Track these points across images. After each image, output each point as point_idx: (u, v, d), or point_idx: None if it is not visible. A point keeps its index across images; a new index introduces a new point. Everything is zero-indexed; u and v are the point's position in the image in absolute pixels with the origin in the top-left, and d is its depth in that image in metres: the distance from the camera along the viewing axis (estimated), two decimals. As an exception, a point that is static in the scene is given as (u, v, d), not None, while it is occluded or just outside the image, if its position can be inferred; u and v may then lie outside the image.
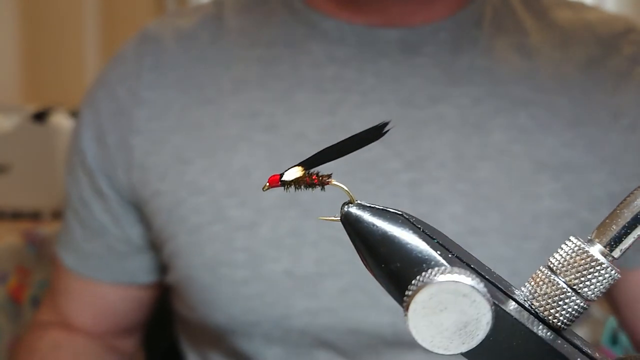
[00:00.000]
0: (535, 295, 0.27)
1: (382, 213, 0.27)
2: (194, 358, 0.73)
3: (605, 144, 0.65)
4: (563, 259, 0.26)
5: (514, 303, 0.26)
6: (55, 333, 0.72)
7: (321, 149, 0.29)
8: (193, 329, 0.72)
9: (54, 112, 1.49)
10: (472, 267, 0.27)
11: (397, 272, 0.26)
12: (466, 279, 0.24)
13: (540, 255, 0.63)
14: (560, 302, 0.26)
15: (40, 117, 1.47)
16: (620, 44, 0.69)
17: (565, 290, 0.26)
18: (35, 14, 2.20)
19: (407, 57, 0.66)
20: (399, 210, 0.27)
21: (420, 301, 0.24)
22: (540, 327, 0.26)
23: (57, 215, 1.37)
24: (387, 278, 0.27)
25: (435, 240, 0.27)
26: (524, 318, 0.26)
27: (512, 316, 0.26)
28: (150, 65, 0.70)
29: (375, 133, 0.28)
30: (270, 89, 0.67)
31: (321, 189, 0.29)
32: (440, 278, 0.24)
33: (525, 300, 0.27)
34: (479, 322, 0.24)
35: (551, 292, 0.26)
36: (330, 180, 0.29)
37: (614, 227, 0.26)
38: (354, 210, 0.27)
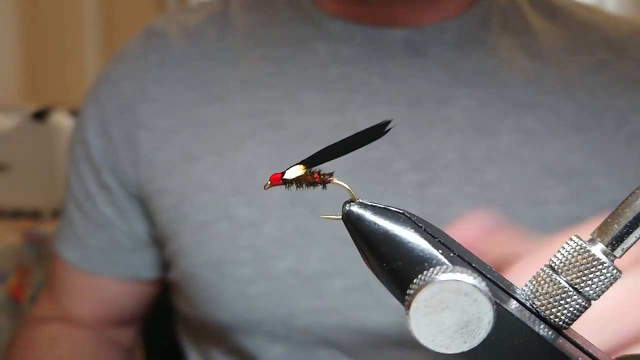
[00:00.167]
0: (537, 294, 0.26)
1: (383, 212, 0.27)
2: (195, 356, 0.73)
3: (611, 150, 0.65)
4: (564, 257, 0.26)
5: (515, 302, 0.26)
6: (53, 327, 0.73)
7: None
8: (195, 327, 0.72)
9: (54, 111, 1.49)
10: (473, 266, 0.27)
11: (398, 271, 0.26)
12: (468, 278, 0.24)
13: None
14: (562, 301, 0.26)
15: (40, 116, 1.47)
16: (629, 47, 0.69)
17: (566, 289, 0.26)
18: (35, 14, 2.20)
19: (414, 58, 0.66)
20: (400, 209, 0.27)
21: (421, 300, 0.24)
22: (542, 326, 0.26)
23: (57, 214, 1.36)
24: (388, 277, 0.27)
25: (437, 239, 0.27)
26: (526, 317, 0.26)
27: (513, 315, 0.26)
28: (156, 61, 0.70)
29: (377, 132, 0.28)
30: (276, 87, 0.67)
31: (323, 188, 0.29)
32: (442, 277, 0.24)
33: (526, 300, 0.27)
34: (481, 321, 0.24)
35: (552, 291, 0.26)
36: (331, 178, 0.29)
37: (616, 226, 0.26)
38: (355, 208, 0.27)
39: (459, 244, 0.28)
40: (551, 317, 0.26)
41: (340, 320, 0.63)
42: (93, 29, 2.22)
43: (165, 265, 0.72)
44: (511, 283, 0.28)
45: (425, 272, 0.25)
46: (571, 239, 0.27)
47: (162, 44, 0.70)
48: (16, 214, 1.46)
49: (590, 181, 0.64)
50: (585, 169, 0.64)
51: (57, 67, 2.21)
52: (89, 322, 0.75)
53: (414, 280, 0.25)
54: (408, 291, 0.25)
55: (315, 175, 0.29)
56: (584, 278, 0.26)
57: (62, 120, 1.49)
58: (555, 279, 0.26)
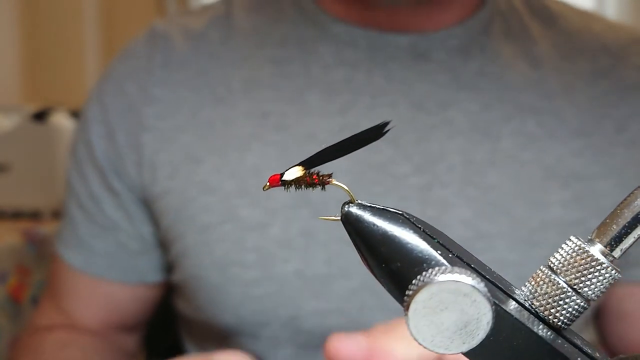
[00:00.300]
0: (536, 294, 0.27)
1: (382, 213, 0.27)
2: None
3: (611, 155, 0.65)
4: (563, 258, 0.26)
5: (514, 303, 0.26)
6: (61, 334, 0.71)
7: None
8: (198, 330, 0.71)
9: (54, 111, 1.50)
10: (472, 267, 0.27)
11: (397, 272, 0.26)
12: (467, 279, 0.24)
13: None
14: (561, 302, 0.26)
15: (40, 116, 1.47)
16: (628, 54, 0.69)
17: (565, 290, 0.26)
18: (35, 14, 2.20)
19: (417, 62, 0.66)
20: (399, 210, 0.27)
21: (420, 301, 0.24)
22: (541, 326, 0.26)
23: (57, 214, 1.36)
24: (387, 278, 0.27)
25: (436, 240, 0.27)
26: (524, 318, 0.26)
27: (512, 316, 0.26)
28: (160, 63, 0.70)
29: (376, 133, 0.28)
30: (281, 89, 0.67)
31: (322, 189, 0.29)
32: (441, 278, 0.24)
33: (525, 300, 0.27)
34: (480, 321, 0.24)
35: (551, 291, 0.26)
36: (330, 180, 0.29)
37: (615, 226, 0.26)
38: (354, 210, 0.27)
39: (458, 244, 0.28)
40: (550, 317, 0.26)
41: (344, 321, 0.63)
42: (93, 29, 2.22)
43: (169, 267, 0.72)
44: (510, 283, 0.28)
45: (424, 273, 0.25)
46: (570, 240, 0.27)
47: (165, 46, 0.70)
48: (16, 214, 1.45)
49: (591, 185, 0.64)
50: (586, 173, 0.64)
51: (57, 67, 2.20)
52: (95, 328, 0.73)
53: (413, 281, 0.25)
54: (407, 292, 0.25)
55: (314, 177, 0.29)
56: (583, 279, 0.26)
57: (62, 120, 1.49)
58: (554, 279, 0.26)
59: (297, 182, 0.29)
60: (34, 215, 1.45)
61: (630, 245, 0.26)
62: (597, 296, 0.26)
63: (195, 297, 0.67)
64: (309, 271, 0.62)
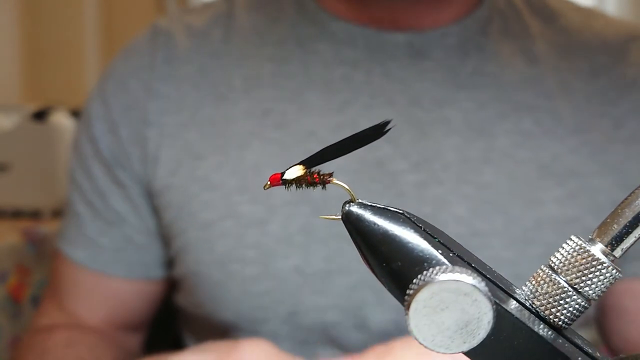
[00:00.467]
0: (536, 294, 0.27)
1: (383, 212, 0.27)
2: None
3: (609, 152, 0.65)
4: (564, 258, 0.26)
5: (515, 302, 0.26)
6: (64, 332, 0.70)
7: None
8: (198, 326, 0.72)
9: (54, 111, 1.49)
10: (473, 267, 0.27)
11: (398, 271, 0.26)
12: (467, 278, 0.24)
13: (543, 260, 0.63)
14: (561, 301, 0.26)
15: (40, 116, 1.47)
16: (628, 51, 0.69)
17: (566, 289, 0.26)
18: (35, 14, 2.20)
19: (415, 61, 0.67)
20: (400, 209, 0.27)
21: (421, 300, 0.24)
22: (541, 326, 0.26)
23: (57, 214, 1.36)
24: (388, 277, 0.27)
25: (437, 239, 0.27)
26: (525, 317, 0.26)
27: (513, 315, 0.26)
28: (163, 59, 0.70)
29: (376, 132, 0.28)
30: (281, 87, 0.67)
31: (322, 188, 0.29)
32: (442, 277, 0.24)
33: (526, 300, 0.27)
34: (480, 321, 0.24)
35: (552, 291, 0.26)
36: (331, 179, 0.29)
37: (615, 226, 0.26)
38: (355, 209, 0.27)
39: (458, 244, 0.28)
40: (551, 317, 0.26)
41: (343, 317, 0.63)
42: (93, 29, 2.22)
43: (170, 262, 0.72)
44: (511, 283, 0.28)
45: (424, 272, 0.25)
46: (571, 239, 0.27)
47: (168, 43, 0.71)
48: (16, 214, 1.45)
49: (587, 182, 0.64)
50: (582, 170, 0.65)
51: (57, 67, 2.20)
52: (99, 327, 0.73)
53: (414, 280, 0.25)
54: (408, 291, 0.25)
55: (314, 176, 0.29)
56: (584, 278, 0.26)
57: (62, 120, 1.49)
58: (555, 279, 0.26)
59: (297, 181, 0.29)
60: (34, 215, 1.45)
61: (631, 245, 0.26)
62: (598, 296, 0.26)
63: (195, 293, 0.67)
64: (309, 267, 0.63)
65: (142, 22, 0.77)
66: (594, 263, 0.26)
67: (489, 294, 0.24)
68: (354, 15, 0.68)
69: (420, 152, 0.64)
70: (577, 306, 0.26)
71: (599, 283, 0.26)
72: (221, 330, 0.67)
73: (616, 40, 0.69)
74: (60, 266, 0.74)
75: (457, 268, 0.25)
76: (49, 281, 0.78)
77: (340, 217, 0.28)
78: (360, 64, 0.67)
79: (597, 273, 0.26)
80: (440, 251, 0.26)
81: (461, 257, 0.27)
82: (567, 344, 0.26)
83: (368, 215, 0.27)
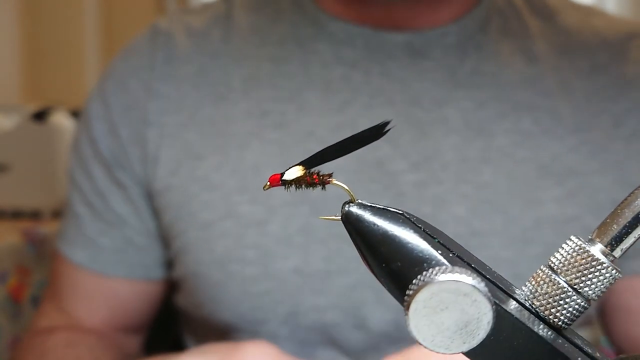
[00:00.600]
0: (536, 294, 0.27)
1: (382, 212, 0.27)
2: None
3: (609, 151, 0.65)
4: (564, 258, 0.26)
5: (514, 302, 0.26)
6: (64, 334, 0.70)
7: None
8: (198, 326, 0.72)
9: (54, 111, 1.49)
10: (473, 267, 0.27)
11: (398, 272, 0.26)
12: (467, 279, 0.24)
13: (542, 260, 0.63)
14: (561, 302, 0.26)
15: (40, 116, 1.47)
16: (628, 48, 0.69)
17: (566, 289, 0.26)
18: (35, 14, 2.20)
19: (414, 61, 0.67)
20: (399, 210, 0.27)
21: (421, 300, 0.24)
22: (541, 326, 0.26)
23: (57, 214, 1.36)
24: (388, 277, 0.27)
25: (436, 240, 0.27)
26: (525, 317, 0.26)
27: (512, 315, 0.26)
28: (163, 59, 0.70)
29: (376, 132, 0.28)
30: (280, 87, 0.68)
31: (322, 189, 0.29)
32: (441, 277, 0.24)
33: (525, 300, 0.27)
34: (480, 321, 0.24)
35: (552, 291, 0.26)
36: (331, 179, 0.29)
37: (615, 226, 0.26)
38: (354, 209, 0.27)
39: (458, 244, 0.28)
40: (550, 317, 0.26)
41: (343, 317, 0.63)
42: (93, 29, 2.22)
43: (170, 263, 0.72)
44: (510, 283, 0.28)
45: (424, 273, 0.25)
46: (570, 239, 0.27)
47: (168, 43, 0.71)
48: (16, 214, 1.45)
49: (586, 181, 0.64)
50: (581, 170, 0.65)
51: (57, 67, 2.20)
52: (99, 328, 0.73)
53: (414, 281, 0.25)
54: (407, 292, 0.25)
55: (314, 176, 0.29)
56: (583, 278, 0.26)
57: (62, 120, 1.49)
58: (555, 279, 0.26)
59: (297, 182, 0.29)
60: (34, 215, 1.45)
61: (631, 245, 0.26)
62: (598, 296, 0.26)
63: (195, 294, 0.67)
64: (308, 268, 0.63)
65: (142, 22, 0.77)
66: (593, 263, 0.26)
67: (489, 294, 0.24)
68: (353, 15, 0.68)
69: (420, 151, 0.64)
70: (576, 306, 0.26)
71: (599, 283, 0.26)
72: (221, 331, 0.67)
73: (616, 39, 0.69)
74: (59, 267, 0.74)
75: (456, 268, 0.25)
76: (48, 282, 0.78)
77: (339, 217, 0.28)
78: (359, 64, 0.67)
79: (597, 273, 0.26)
80: (439, 251, 0.26)
81: (461, 258, 0.27)
82: (567, 344, 0.26)
83: (368, 216, 0.27)
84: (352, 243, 0.27)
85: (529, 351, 0.26)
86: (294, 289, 0.63)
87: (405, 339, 0.63)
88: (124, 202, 0.70)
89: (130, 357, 0.76)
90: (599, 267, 0.26)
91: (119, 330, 0.74)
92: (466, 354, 0.26)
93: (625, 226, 0.26)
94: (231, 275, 0.64)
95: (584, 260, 0.26)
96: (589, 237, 0.27)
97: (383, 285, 0.27)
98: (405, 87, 0.66)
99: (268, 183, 0.29)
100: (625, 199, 0.27)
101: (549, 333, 0.26)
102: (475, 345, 0.25)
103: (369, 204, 0.27)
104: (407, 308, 0.24)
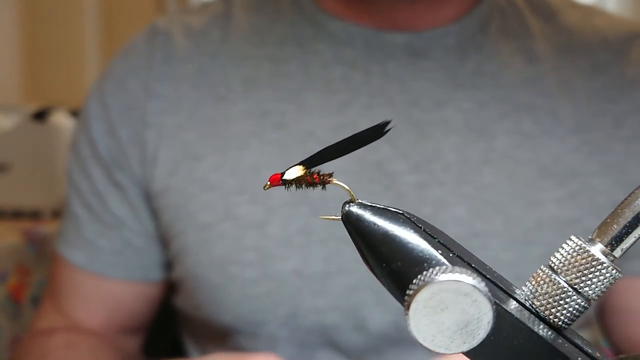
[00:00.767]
0: (536, 294, 0.27)
1: (383, 212, 0.27)
2: (197, 356, 0.73)
3: (609, 152, 0.65)
4: (564, 258, 0.26)
5: (514, 302, 0.26)
6: (64, 335, 0.70)
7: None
8: (197, 328, 0.71)
9: (54, 111, 1.49)
10: (473, 267, 0.27)
11: (398, 272, 0.26)
12: (467, 278, 0.24)
13: (543, 261, 0.63)
14: (561, 302, 0.26)
15: (40, 116, 1.47)
16: (629, 48, 0.69)
17: (566, 289, 0.26)
18: (35, 14, 2.20)
19: (414, 61, 0.67)
20: (400, 210, 0.27)
21: (421, 300, 0.24)
22: (541, 326, 0.26)
23: (57, 214, 1.36)
24: (388, 277, 0.27)
25: (437, 240, 0.27)
26: (525, 317, 0.26)
27: (513, 315, 0.26)
28: (161, 59, 0.70)
29: (376, 132, 0.28)
30: (280, 87, 0.67)
31: (322, 188, 0.29)
32: (442, 277, 0.24)
33: (526, 300, 0.27)
34: (480, 321, 0.24)
35: (552, 291, 0.26)
36: (331, 179, 0.29)
37: (615, 226, 0.26)
38: (354, 209, 0.27)
39: (458, 244, 0.28)
40: (550, 317, 0.26)
41: (343, 319, 0.63)
42: (93, 29, 2.22)
43: (169, 264, 0.72)
44: (511, 283, 0.28)
45: (424, 273, 0.25)
46: (570, 239, 0.27)
47: (166, 43, 0.70)
48: (16, 214, 1.45)
49: (587, 182, 0.64)
50: (582, 171, 0.64)
51: (57, 67, 2.20)
52: (98, 329, 0.72)
53: (414, 281, 0.25)
54: (408, 291, 0.25)
55: (314, 176, 0.29)
56: (584, 278, 0.26)
57: (62, 120, 1.49)
58: (555, 279, 0.26)
59: (297, 182, 0.29)
60: (34, 215, 1.45)
61: (631, 245, 0.26)
62: (598, 296, 0.26)
63: (194, 295, 0.67)
64: (308, 269, 0.63)
65: (142, 22, 0.77)
66: (593, 263, 0.26)
67: (489, 294, 0.24)
68: (353, 15, 0.68)
69: (420, 152, 0.64)
70: (577, 306, 0.26)
71: (599, 283, 0.26)
72: (220, 333, 0.67)
73: (617, 38, 0.69)
74: (58, 268, 0.74)
75: (457, 268, 0.25)
76: (47, 283, 0.78)
77: (340, 217, 0.28)
78: (359, 64, 0.67)
79: (597, 273, 0.26)
80: (440, 251, 0.26)
81: (461, 258, 0.27)
82: (567, 344, 0.26)
83: (368, 216, 0.27)
84: (352, 244, 0.27)
85: (529, 351, 0.26)
86: (294, 291, 0.63)
87: (405, 341, 0.63)
88: (122, 204, 0.69)
89: (131, 357, 0.76)
90: (599, 267, 0.26)
91: (119, 332, 0.74)
92: (466, 354, 0.26)
93: (625, 226, 0.26)
94: (230, 277, 0.64)
95: (584, 260, 0.26)
96: (589, 237, 0.27)
97: (383, 285, 0.27)
98: (406, 88, 0.66)
99: (268, 183, 0.29)
100: (626, 199, 0.27)
101: (549, 333, 0.26)
102: (475, 345, 0.25)
103: (370, 204, 0.27)
104: (407, 308, 0.24)
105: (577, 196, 0.64)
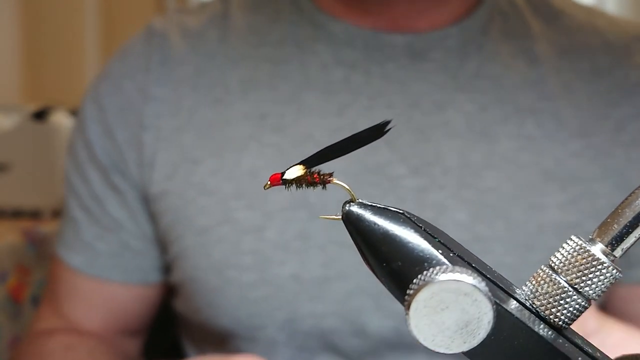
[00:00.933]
0: (537, 294, 0.27)
1: (383, 212, 0.27)
2: (195, 359, 0.73)
3: (610, 156, 0.65)
4: (564, 257, 0.26)
5: (515, 302, 0.26)
6: (63, 337, 0.70)
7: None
8: (196, 331, 0.71)
9: (54, 111, 1.49)
10: (473, 266, 0.27)
11: (398, 271, 0.26)
12: (468, 278, 0.24)
13: None
14: (562, 301, 0.26)
15: (40, 116, 1.47)
16: (631, 52, 0.68)
17: (566, 289, 0.26)
18: (35, 14, 2.20)
19: (414, 62, 0.66)
20: (400, 209, 0.27)
21: (421, 300, 0.24)
22: (542, 326, 0.26)
23: (57, 214, 1.36)
24: (388, 277, 0.27)
25: (437, 239, 0.27)
26: (525, 317, 0.26)
27: (513, 315, 0.26)
28: (158, 60, 0.69)
29: (376, 132, 0.28)
30: (278, 89, 0.67)
31: (322, 188, 0.29)
32: (442, 277, 0.24)
33: (526, 300, 0.27)
34: (481, 321, 0.24)
35: (552, 291, 0.26)
36: (331, 179, 0.29)
37: (616, 226, 0.26)
38: (355, 209, 0.27)
39: (458, 244, 0.28)
40: (551, 317, 0.26)
41: (341, 324, 0.62)
42: (93, 29, 2.22)
43: (167, 267, 0.72)
44: (511, 283, 0.28)
45: (425, 272, 0.25)
46: (571, 239, 0.27)
47: (163, 44, 0.70)
48: (16, 214, 1.45)
49: (589, 187, 0.64)
50: (584, 175, 0.64)
51: (57, 67, 2.20)
52: (98, 332, 0.72)
53: (414, 280, 0.25)
54: (408, 291, 0.25)
55: (315, 176, 0.29)
56: (584, 278, 0.26)
57: (62, 120, 1.49)
58: (555, 279, 0.26)
59: (297, 181, 0.29)
60: (34, 215, 1.45)
61: (632, 245, 0.26)
62: (598, 295, 0.26)
63: (193, 299, 0.66)
64: (306, 274, 0.62)
65: (142, 22, 0.76)
66: (594, 263, 0.26)
67: (489, 294, 0.24)
68: (353, 16, 0.68)
69: (420, 156, 0.64)
70: (577, 306, 0.26)
71: (599, 283, 0.26)
72: (219, 336, 0.67)
73: (620, 41, 0.69)
74: (57, 271, 0.73)
75: (457, 268, 0.25)
76: (47, 285, 0.77)
77: (340, 217, 0.28)
78: (359, 66, 0.67)
79: (597, 273, 0.26)
80: (440, 251, 0.26)
81: (461, 257, 0.27)
82: (567, 344, 0.26)
83: (368, 215, 0.27)
84: (350, 249, 0.27)
85: (529, 351, 0.26)
86: (292, 295, 0.63)
87: (404, 345, 0.63)
88: (120, 207, 0.69)
89: (130, 359, 0.75)
90: (600, 267, 0.26)
91: (118, 334, 0.74)
92: (466, 353, 0.26)
93: (625, 226, 0.26)
94: (228, 281, 0.63)
95: (584, 260, 0.26)
96: (590, 236, 0.27)
97: (384, 284, 0.27)
98: (406, 89, 0.66)
99: (269, 182, 0.29)
100: (626, 199, 0.27)
101: (550, 333, 0.26)
102: (475, 345, 0.25)
103: (370, 204, 0.27)
104: (407, 307, 0.24)
105: (579, 201, 0.64)
